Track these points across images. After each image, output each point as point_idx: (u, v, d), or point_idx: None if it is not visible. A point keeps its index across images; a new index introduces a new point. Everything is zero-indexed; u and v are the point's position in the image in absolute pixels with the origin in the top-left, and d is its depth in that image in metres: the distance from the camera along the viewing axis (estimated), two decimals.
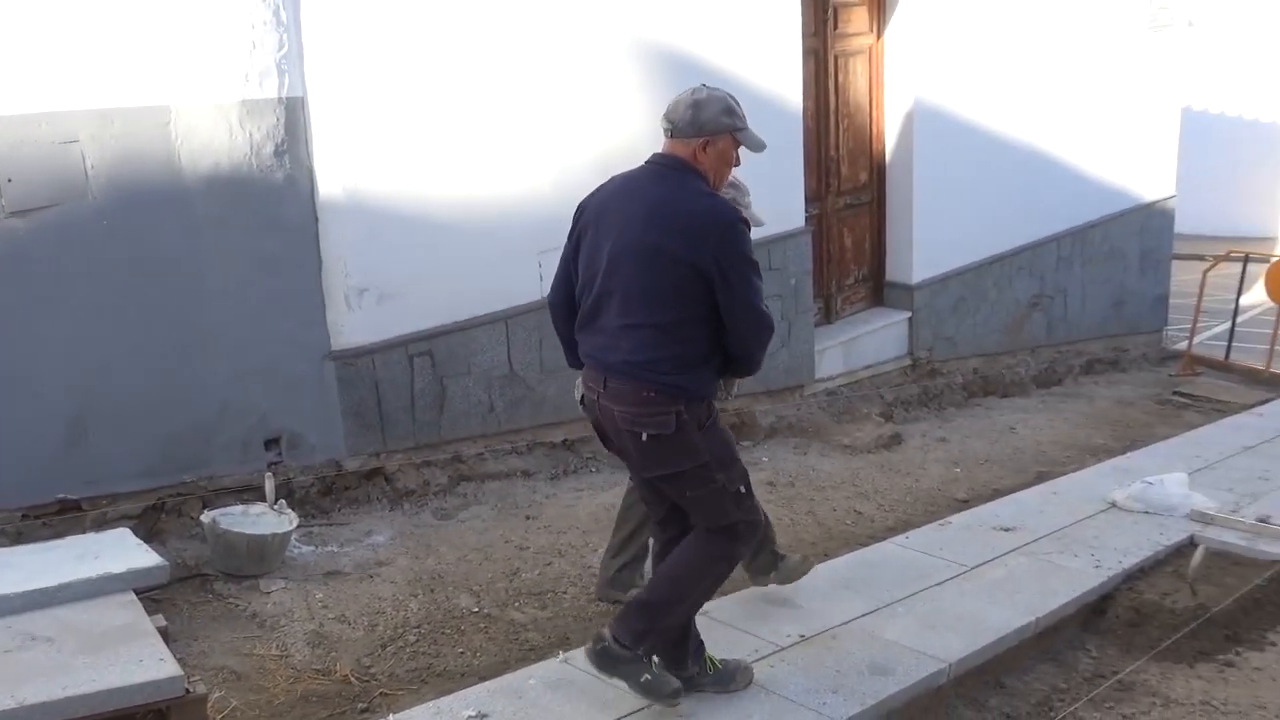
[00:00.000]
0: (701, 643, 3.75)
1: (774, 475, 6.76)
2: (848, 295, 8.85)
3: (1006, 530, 5.59)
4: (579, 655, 4.07)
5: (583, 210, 3.56)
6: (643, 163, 3.50)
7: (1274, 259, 10.80)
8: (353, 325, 5.85)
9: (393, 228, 5.89)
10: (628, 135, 6.67)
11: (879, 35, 8.60)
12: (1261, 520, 5.70)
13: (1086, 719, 4.00)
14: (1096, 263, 10.90)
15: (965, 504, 6.32)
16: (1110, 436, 8.25)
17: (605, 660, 3.50)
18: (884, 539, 5.60)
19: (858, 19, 8.49)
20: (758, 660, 4.08)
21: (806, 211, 7.94)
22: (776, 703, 3.78)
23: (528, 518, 5.85)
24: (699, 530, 3.53)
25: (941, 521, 5.78)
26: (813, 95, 8.05)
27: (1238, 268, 11.31)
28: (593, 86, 6.54)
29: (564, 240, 6.54)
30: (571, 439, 6.69)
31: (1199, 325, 11.37)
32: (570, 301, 3.56)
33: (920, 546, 5.35)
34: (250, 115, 5.39)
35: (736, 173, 4.01)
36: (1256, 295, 11.52)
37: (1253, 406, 8.90)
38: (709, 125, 3.38)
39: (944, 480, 6.95)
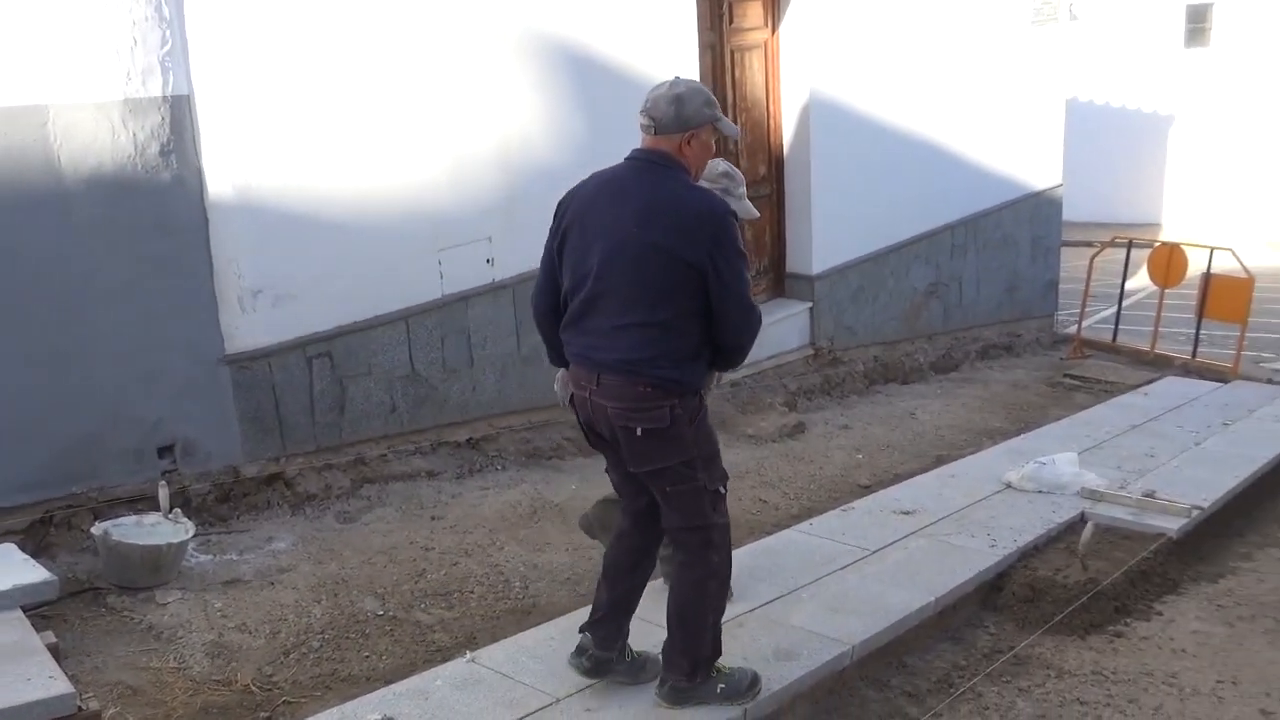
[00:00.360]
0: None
1: None
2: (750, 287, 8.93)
3: (907, 514, 5.71)
4: (486, 654, 4.08)
5: (564, 210, 3.51)
6: (623, 159, 3.47)
7: (1157, 244, 11.18)
8: (248, 328, 5.73)
9: (287, 227, 5.79)
10: (524, 128, 6.68)
11: (774, 30, 8.69)
12: (1148, 495, 5.92)
13: (985, 694, 4.11)
14: (989, 250, 11.18)
15: (867, 489, 6.43)
16: (1005, 419, 8.48)
17: (676, 696, 3.61)
18: (789, 526, 5.67)
19: (753, 14, 8.57)
20: None
21: None
22: None
23: (433, 518, 5.80)
24: (676, 564, 3.59)
25: (844, 507, 5.87)
26: (710, 89, 8.08)
27: (1124, 253, 11.70)
28: (487, 79, 6.49)
29: (464, 238, 6.57)
30: (476, 437, 6.65)
31: (1088, 309, 11.75)
32: (557, 303, 3.53)
33: (824, 533, 5.44)
34: (133, 114, 5.24)
35: (730, 162, 4.16)
36: (1141, 279, 11.93)
37: (1139, 386, 9.21)
38: (694, 119, 3.37)
39: (847, 467, 7.07)
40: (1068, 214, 14.26)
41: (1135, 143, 26.41)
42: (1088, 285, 11.44)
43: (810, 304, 9.10)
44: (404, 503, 5.98)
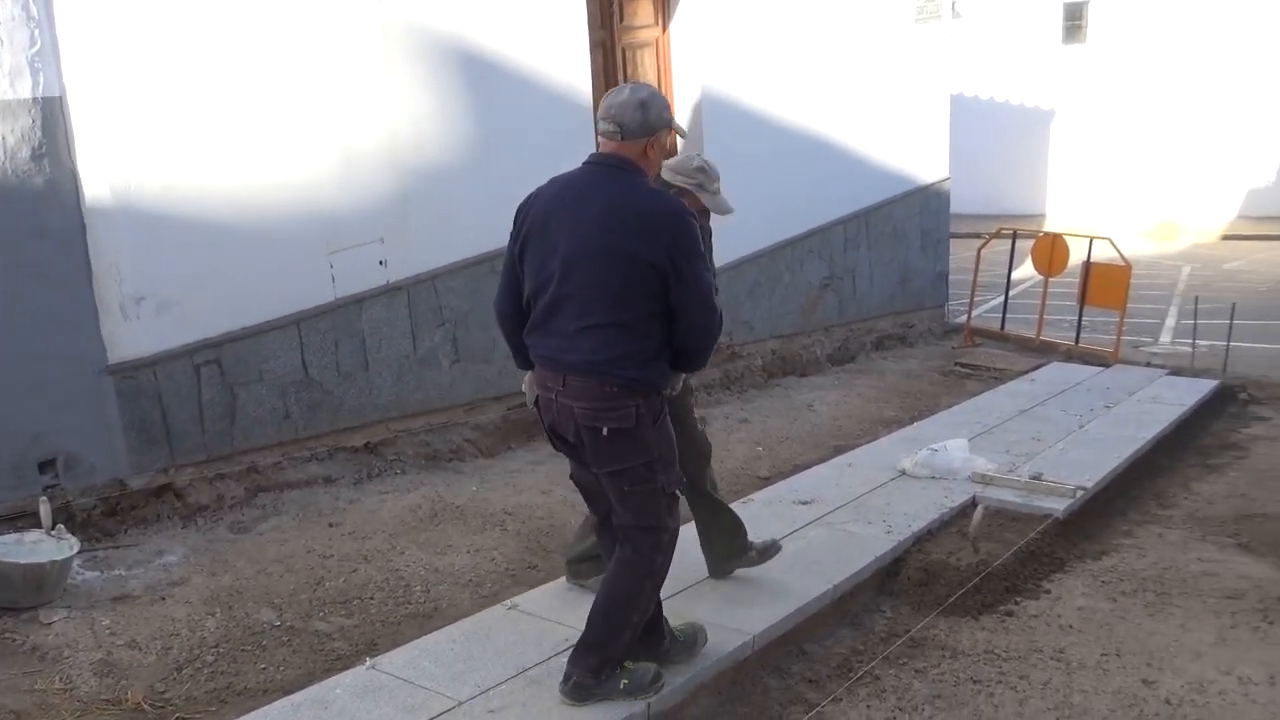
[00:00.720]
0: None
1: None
2: None
3: (805, 503, 5.80)
4: (387, 660, 4.03)
5: (524, 215, 3.52)
6: (582, 163, 3.49)
7: (1040, 234, 11.52)
8: (130, 336, 5.56)
9: (170, 229, 5.63)
10: (415, 126, 6.61)
11: (664, 28, 8.73)
12: (1035, 478, 6.12)
13: (882, 676, 4.19)
14: (881, 243, 11.40)
15: (767, 481, 6.51)
16: (900, 408, 8.66)
17: (579, 693, 3.63)
18: (689, 521, 5.69)
19: (643, 12, 8.60)
20: (568, 649, 4.07)
21: None
22: None
23: (331, 525, 5.70)
24: (618, 557, 3.61)
25: (745, 499, 5.93)
26: (602, 87, 8.09)
27: (1010, 244, 12.04)
28: (375, 76, 6.39)
29: (356, 240, 6.48)
30: (374, 442, 6.55)
31: (977, 299, 12.05)
32: (518, 307, 3.56)
33: None
34: (2, 117, 5.04)
35: (705, 157, 4.24)
36: (1028, 269, 12.27)
37: (1026, 373, 9.51)
38: (655, 123, 3.42)
39: (747, 459, 7.14)
40: (957, 207, 14.62)
41: (1019, 136, 27.22)
42: (976, 276, 11.75)
43: None
44: (300, 510, 5.87)
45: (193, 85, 5.68)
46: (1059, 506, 5.74)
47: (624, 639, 3.63)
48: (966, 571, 4.99)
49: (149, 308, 5.60)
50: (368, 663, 4.00)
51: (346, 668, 4.09)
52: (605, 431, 3.38)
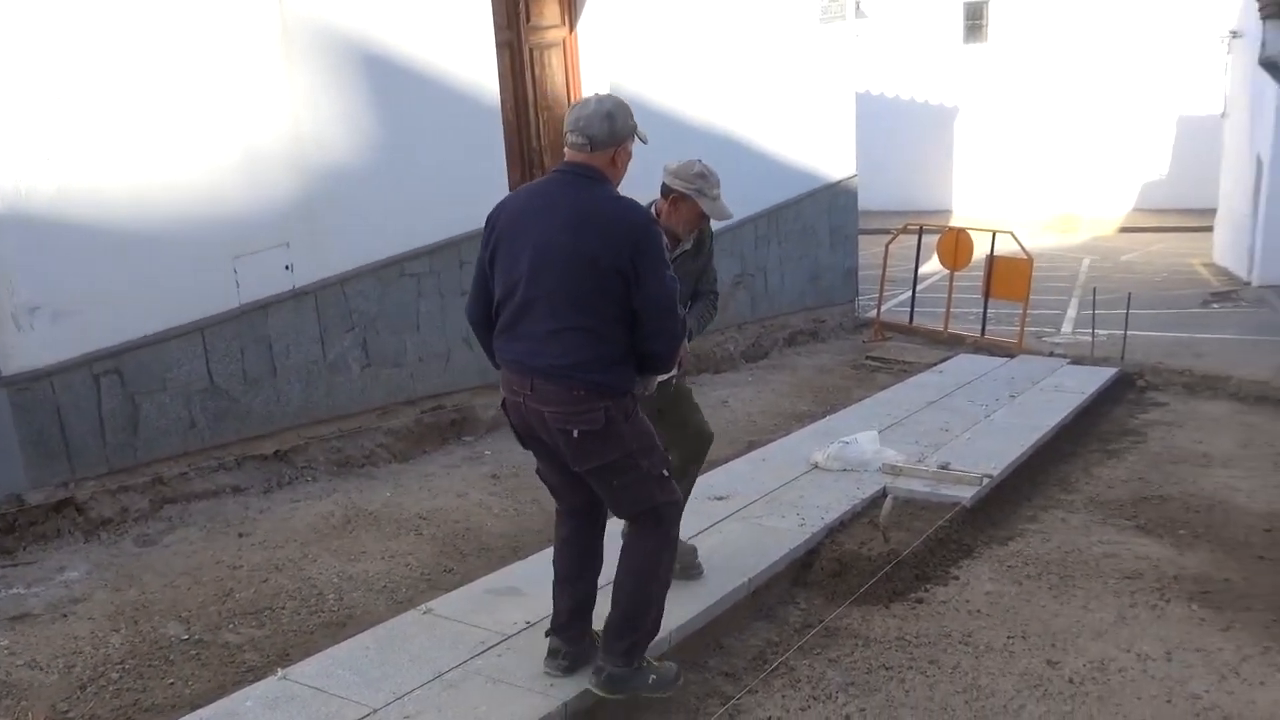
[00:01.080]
0: None
1: (498, 468, 6.76)
2: None
3: (720, 499, 5.84)
4: (299, 669, 3.97)
5: (494, 223, 3.57)
6: (551, 171, 3.55)
7: (945, 230, 11.77)
8: (25, 347, 5.39)
9: (65, 236, 5.47)
10: (319, 129, 6.52)
11: (571, 27, 8.73)
12: (943, 467, 6.24)
13: (797, 667, 4.25)
14: (791, 241, 11.54)
15: None
16: (813, 402, 8.78)
17: (613, 685, 3.64)
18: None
19: (550, 12, 8.59)
20: (485, 651, 4.09)
21: None
22: (505, 691, 3.80)
23: (240, 535, 5.59)
24: (629, 536, 3.68)
25: None
26: (510, 88, 8.08)
27: (916, 239, 12.28)
28: (276, 76, 6.28)
29: (260, 244, 6.37)
30: (284, 449, 6.44)
31: (886, 294, 12.28)
32: (489, 314, 3.60)
33: None
34: None
35: (706, 163, 4.24)
36: (935, 264, 12.53)
37: (934, 365, 9.70)
38: (622, 132, 3.49)
39: None
40: (865, 204, 14.84)
41: (924, 133, 27.77)
42: (884, 271, 11.97)
43: None
44: (208, 521, 5.74)
45: (86, 84, 5.52)
46: (966, 495, 5.87)
47: (650, 615, 3.67)
48: (878, 561, 5.08)
49: (44, 317, 5.44)
50: (279, 673, 3.93)
51: (258, 679, 4.01)
52: (576, 434, 3.44)
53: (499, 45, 7.75)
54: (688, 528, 5.32)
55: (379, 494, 6.21)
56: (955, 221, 20.19)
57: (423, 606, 4.52)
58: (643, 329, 3.44)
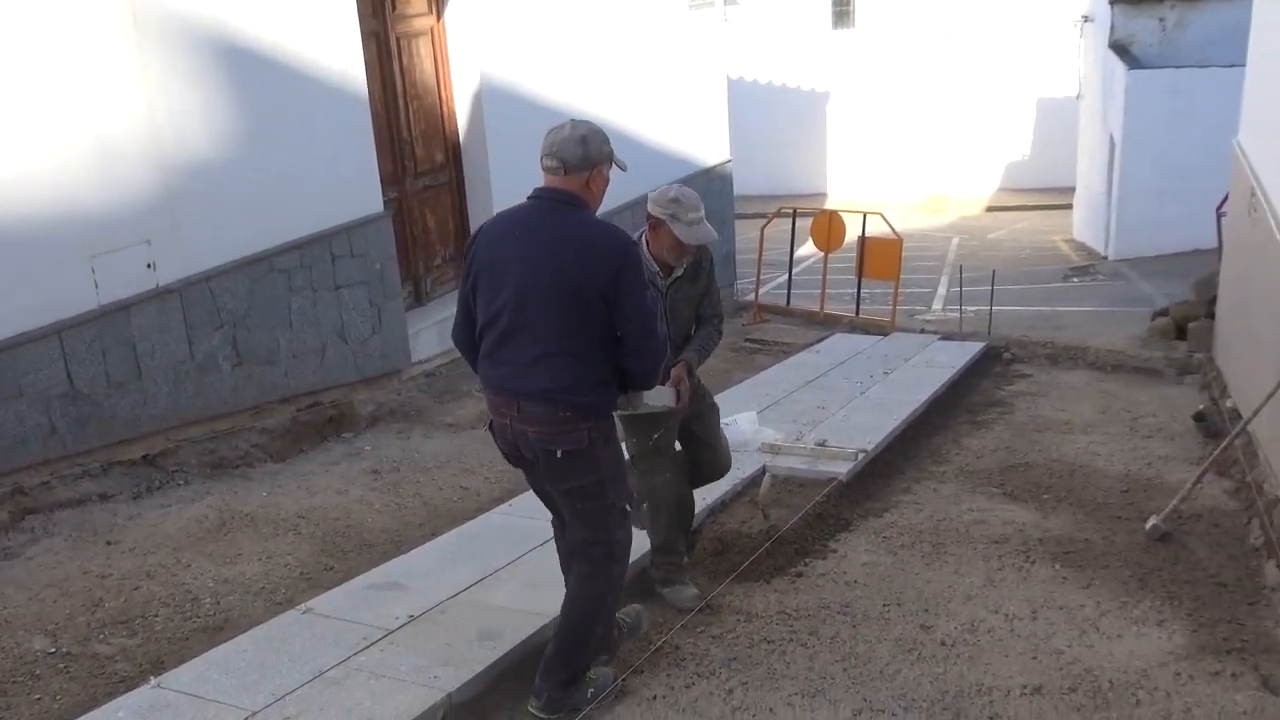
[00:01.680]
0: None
1: (378, 463, 6.67)
2: (437, 276, 8.87)
3: None
4: (174, 676, 3.88)
5: (473, 251, 3.61)
6: (527, 198, 3.57)
7: (818, 213, 12.01)
8: None
9: None
10: (178, 123, 6.30)
11: (439, 16, 8.62)
12: (820, 444, 6.39)
13: (682, 645, 4.30)
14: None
15: None
16: None
17: (553, 706, 3.69)
18: (490, 510, 5.70)
19: (416, 0, 8.47)
20: (368, 647, 4.05)
21: (385, 195, 7.84)
22: (388, 685, 3.77)
23: (109, 543, 5.40)
24: (577, 573, 3.75)
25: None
26: (378, 78, 7.95)
27: (790, 223, 12.50)
28: (128, 68, 6.03)
29: (120, 242, 6.16)
30: (153, 453, 6.24)
31: (763, 277, 12.47)
32: (474, 339, 3.66)
33: (523, 512, 5.49)
34: None
35: (683, 187, 4.25)
36: (810, 246, 12.77)
37: (811, 345, 9.91)
38: (596, 156, 3.53)
39: None
40: (741, 188, 15.06)
41: (797, 118, 28.22)
42: (760, 254, 12.15)
43: None
44: (74, 530, 5.53)
45: None
46: (843, 470, 6.02)
47: (590, 650, 3.76)
48: (758, 538, 5.17)
49: None
50: (152, 682, 3.83)
51: (130, 689, 3.90)
52: (559, 454, 3.52)
53: (365, 34, 7.61)
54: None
55: (255, 495, 6.07)
56: (829, 204, 20.60)
57: (303, 606, 4.46)
58: (623, 348, 3.51)
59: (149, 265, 6.15)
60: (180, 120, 6.28)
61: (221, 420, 6.65)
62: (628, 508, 3.74)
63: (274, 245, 6.88)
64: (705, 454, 4.70)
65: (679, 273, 4.33)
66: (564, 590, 4.41)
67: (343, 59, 7.29)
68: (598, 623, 3.73)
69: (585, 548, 3.72)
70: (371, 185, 7.64)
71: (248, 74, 6.65)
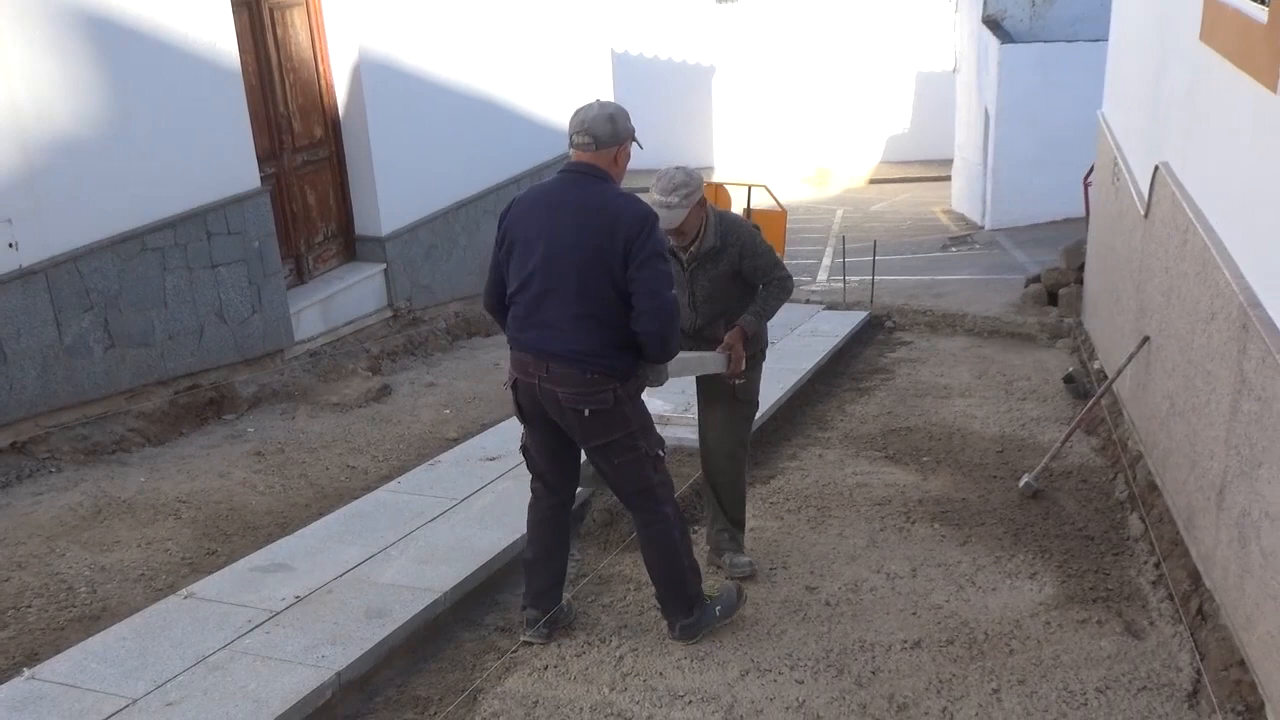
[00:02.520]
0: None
1: (262, 445, 6.53)
2: (319, 254, 8.68)
3: (493, 459, 5.86)
4: (49, 668, 3.77)
5: (505, 221, 3.83)
6: (558, 172, 3.78)
7: (704, 185, 12.08)
8: None
9: None
10: (39, 98, 6.05)
11: None
12: None
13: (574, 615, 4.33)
14: None
15: (455, 442, 6.52)
16: None
17: (689, 633, 4.07)
18: (378, 488, 5.63)
19: None
20: (253, 629, 3.98)
21: (262, 171, 7.64)
22: (275, 667, 3.72)
23: None
24: (639, 530, 4.00)
25: (432, 461, 5.93)
26: (252, 50, 7.73)
27: None
28: None
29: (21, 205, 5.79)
30: (21, 440, 6.01)
31: None
32: (502, 301, 3.89)
33: (412, 489, 5.46)
34: None
35: (680, 167, 4.33)
36: None
37: None
38: (623, 133, 3.75)
39: (435, 423, 7.12)
40: (630, 162, 15.04)
41: (683, 92, 28.30)
42: None
43: (384, 266, 9.00)
44: None
45: None
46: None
47: (691, 581, 4.05)
48: None
49: None
50: (26, 674, 3.71)
51: (2, 682, 3.77)
52: (587, 413, 3.71)
53: (235, 5, 7.38)
54: (460, 487, 5.39)
55: (133, 480, 5.90)
56: (716, 177, 20.75)
57: (184, 591, 4.36)
58: (635, 309, 3.65)
59: (10, 245, 5.90)
60: (42, 96, 6.02)
61: (95, 405, 6.43)
62: (660, 453, 3.95)
63: (145, 223, 6.66)
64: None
65: (694, 248, 4.40)
66: (458, 563, 4.45)
67: (213, 30, 7.07)
68: (680, 556, 3.99)
69: (631, 499, 3.97)
70: (247, 161, 7.44)
71: (113, 47, 6.40)
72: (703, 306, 4.48)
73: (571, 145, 3.76)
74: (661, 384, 3.97)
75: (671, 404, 6.68)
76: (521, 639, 4.08)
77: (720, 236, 4.40)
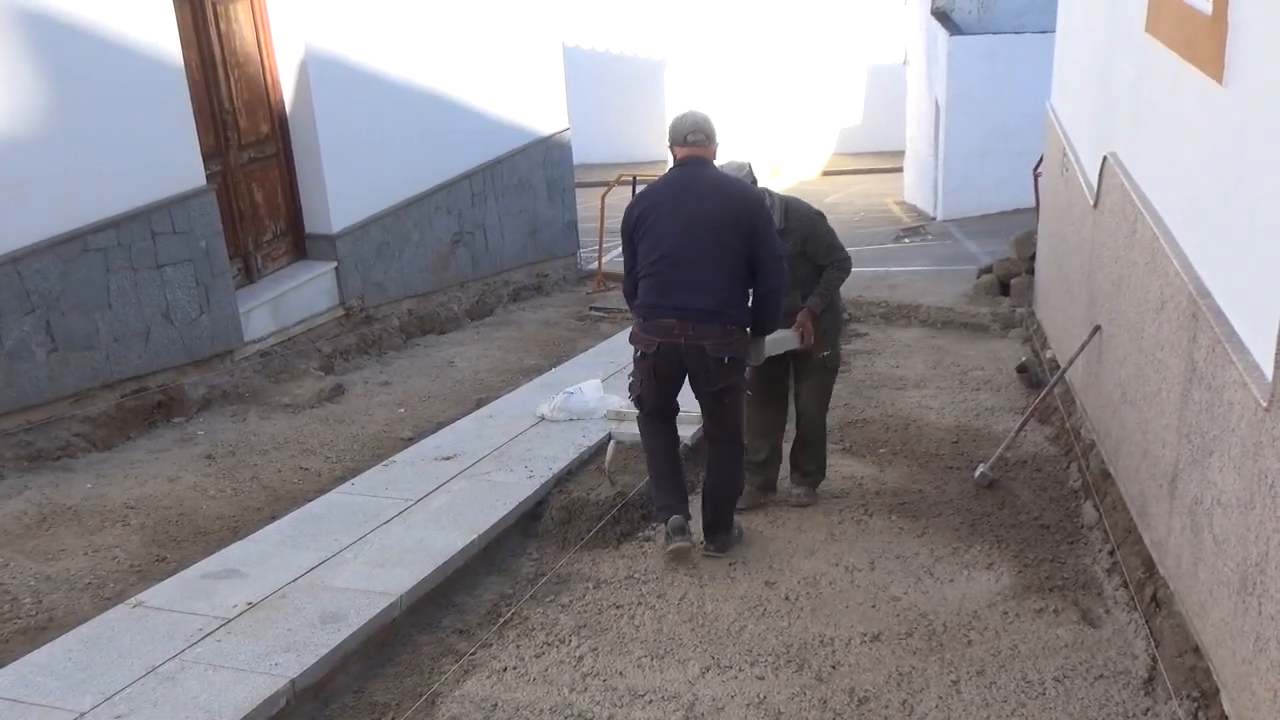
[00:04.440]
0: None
1: (212, 448, 6.42)
2: (268, 252, 8.55)
3: (448, 459, 5.80)
4: None
5: (638, 208, 4.60)
6: (676, 166, 4.58)
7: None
8: None
9: None
10: None
11: None
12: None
13: (530, 616, 4.29)
14: (508, 196, 11.51)
15: (410, 441, 6.44)
16: (540, 356, 8.83)
17: (726, 545, 4.83)
18: (332, 490, 5.55)
19: None
20: (204, 638, 3.90)
21: (207, 169, 7.50)
22: (227, 676, 3.64)
23: None
24: (723, 462, 4.74)
25: (386, 462, 5.85)
26: (194, 45, 7.57)
27: (630, 190, 12.52)
28: None
29: None
30: None
31: (606, 245, 12.48)
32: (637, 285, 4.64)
33: (366, 490, 5.39)
34: None
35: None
36: None
37: None
38: (715, 132, 4.65)
39: (389, 422, 7.04)
40: (583, 157, 15.02)
41: (635, 86, 28.27)
42: (602, 222, 12.15)
43: (334, 264, 8.88)
44: None
45: None
46: (687, 434, 6.05)
47: (735, 505, 4.91)
48: (605, 505, 5.18)
49: None
50: None
51: None
52: (726, 360, 4.45)
53: (177, 1, 7.24)
54: (415, 488, 5.33)
55: (79, 487, 5.77)
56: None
57: (133, 600, 4.26)
58: (758, 272, 4.47)
59: None
60: None
61: (38, 410, 6.29)
62: (749, 393, 4.76)
63: (87, 223, 6.51)
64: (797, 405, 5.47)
65: None
66: (414, 565, 4.39)
67: (153, 27, 6.92)
68: (739, 482, 4.87)
69: (731, 432, 4.70)
70: (191, 158, 7.29)
71: (50, 43, 6.24)
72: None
73: (685, 144, 4.55)
74: (760, 362, 4.72)
75: (627, 400, 6.64)
76: (670, 548, 4.68)
77: (785, 219, 5.05)
